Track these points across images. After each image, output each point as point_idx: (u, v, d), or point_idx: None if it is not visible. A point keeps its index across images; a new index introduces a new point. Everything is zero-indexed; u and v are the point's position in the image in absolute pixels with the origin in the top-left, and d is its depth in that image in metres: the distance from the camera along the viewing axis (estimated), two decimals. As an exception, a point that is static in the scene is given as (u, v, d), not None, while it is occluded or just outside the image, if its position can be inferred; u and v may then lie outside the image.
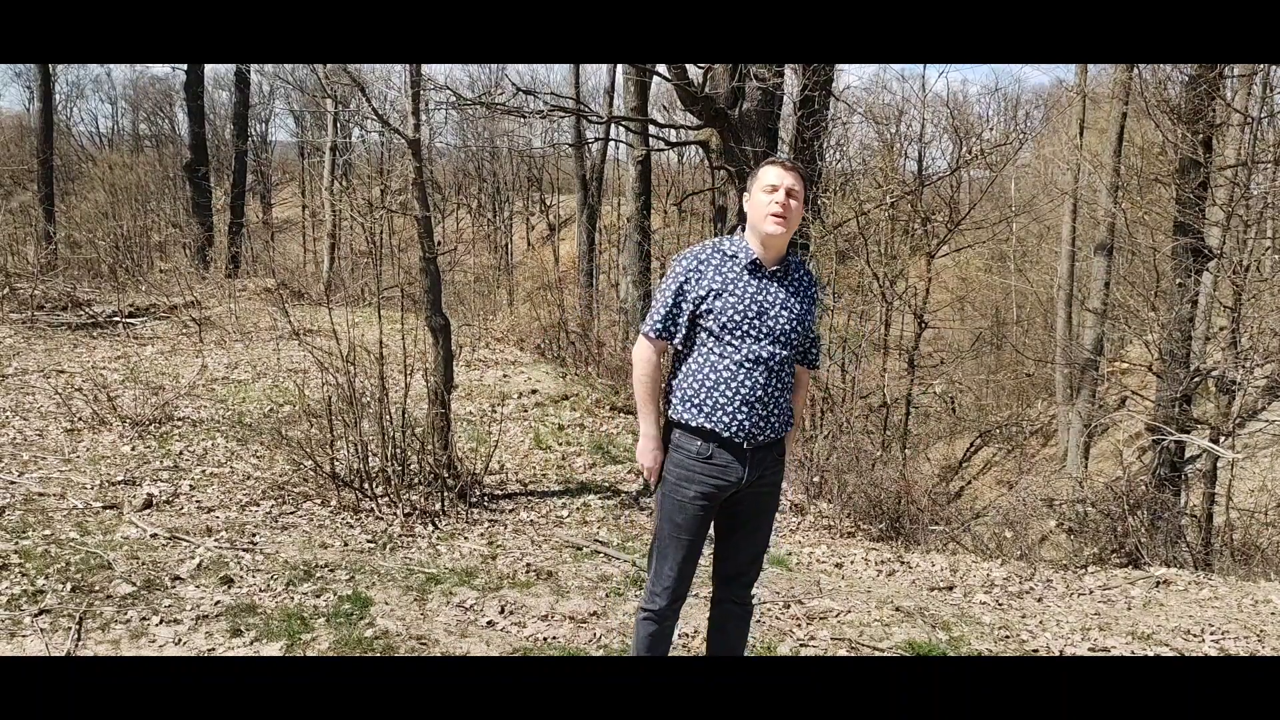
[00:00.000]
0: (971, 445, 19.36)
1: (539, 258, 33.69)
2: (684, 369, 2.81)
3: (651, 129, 13.34)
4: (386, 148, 30.09)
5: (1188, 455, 10.69)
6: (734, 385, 2.72)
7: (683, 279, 2.78)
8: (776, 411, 2.79)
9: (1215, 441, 9.54)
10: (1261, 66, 10.40)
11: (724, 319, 2.71)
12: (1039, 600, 5.29)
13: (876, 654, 4.07)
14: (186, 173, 21.39)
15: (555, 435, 8.38)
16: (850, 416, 9.89)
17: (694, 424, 2.75)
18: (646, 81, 13.49)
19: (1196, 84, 9.94)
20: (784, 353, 2.76)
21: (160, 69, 41.63)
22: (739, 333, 2.71)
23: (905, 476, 7.72)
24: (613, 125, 14.31)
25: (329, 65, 8.70)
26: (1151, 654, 4.27)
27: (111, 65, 38.62)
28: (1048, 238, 25.15)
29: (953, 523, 7.93)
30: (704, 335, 2.76)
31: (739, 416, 2.72)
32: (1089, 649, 4.30)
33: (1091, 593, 5.54)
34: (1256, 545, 7.64)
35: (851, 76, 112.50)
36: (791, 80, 10.96)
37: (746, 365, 2.71)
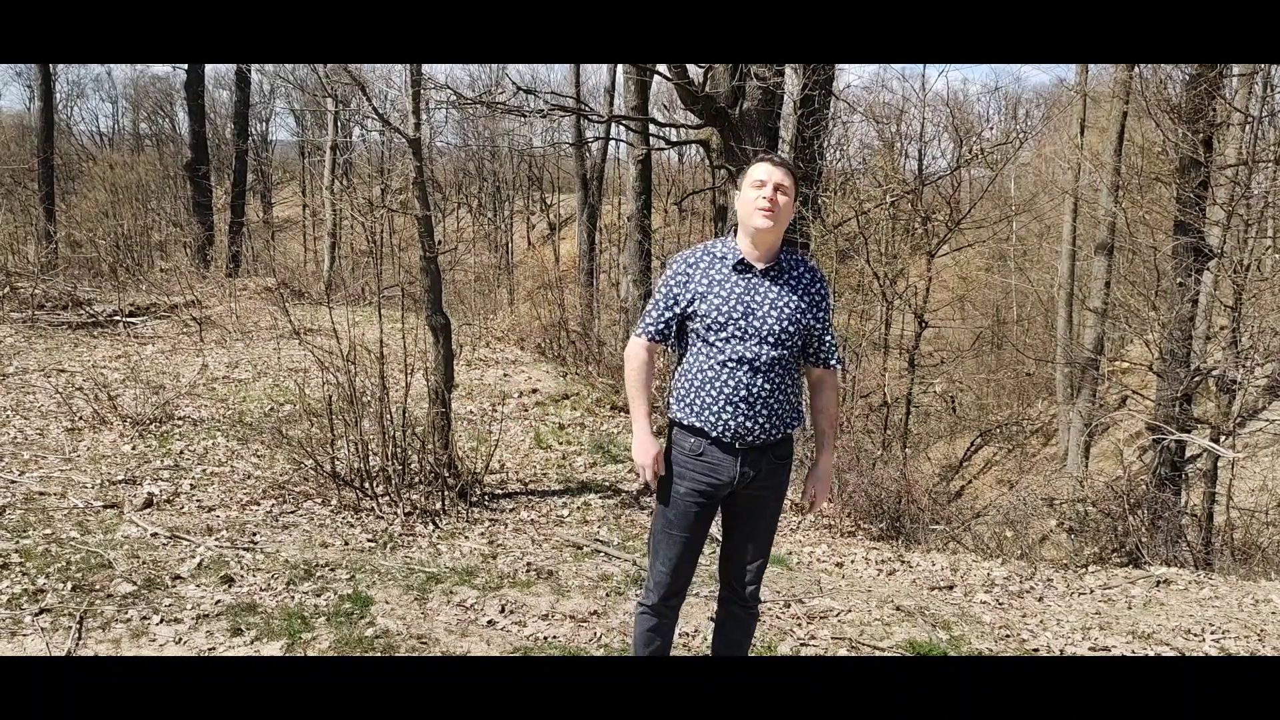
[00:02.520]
0: (972, 445, 19.37)
1: (539, 257, 33.66)
2: (679, 369, 2.86)
3: (652, 128, 13.34)
4: (387, 147, 30.05)
5: (1188, 455, 10.69)
6: (718, 385, 2.74)
7: (672, 282, 2.84)
8: (767, 412, 2.76)
9: (1215, 441, 9.54)
10: (1261, 66, 10.40)
11: (709, 320, 2.74)
12: (1039, 600, 5.29)
13: (877, 654, 4.07)
14: (187, 172, 21.38)
15: (556, 434, 8.38)
16: (850, 416, 9.89)
17: (686, 422, 2.80)
18: (646, 81, 13.48)
19: (1197, 83, 9.94)
20: (774, 352, 2.74)
21: (160, 68, 41.50)
22: (724, 334, 2.73)
23: (905, 476, 7.72)
24: (613, 125, 14.30)
25: (329, 65, 8.70)
26: (1152, 654, 4.27)
27: (112, 65, 38.60)
28: (1048, 237, 25.14)
29: (953, 522, 7.94)
30: (694, 336, 2.80)
31: (724, 416, 2.74)
32: (1089, 649, 4.30)
33: (1092, 592, 5.54)
34: (1257, 545, 7.64)
35: (851, 76, 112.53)
36: (791, 80, 10.95)
37: (731, 365, 2.72)
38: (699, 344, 2.78)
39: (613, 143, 18.43)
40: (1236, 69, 10.60)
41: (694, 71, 10.34)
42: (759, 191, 2.74)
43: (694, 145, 12.12)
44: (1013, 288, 26.24)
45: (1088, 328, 17.78)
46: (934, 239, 12.03)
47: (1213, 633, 4.61)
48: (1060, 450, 18.72)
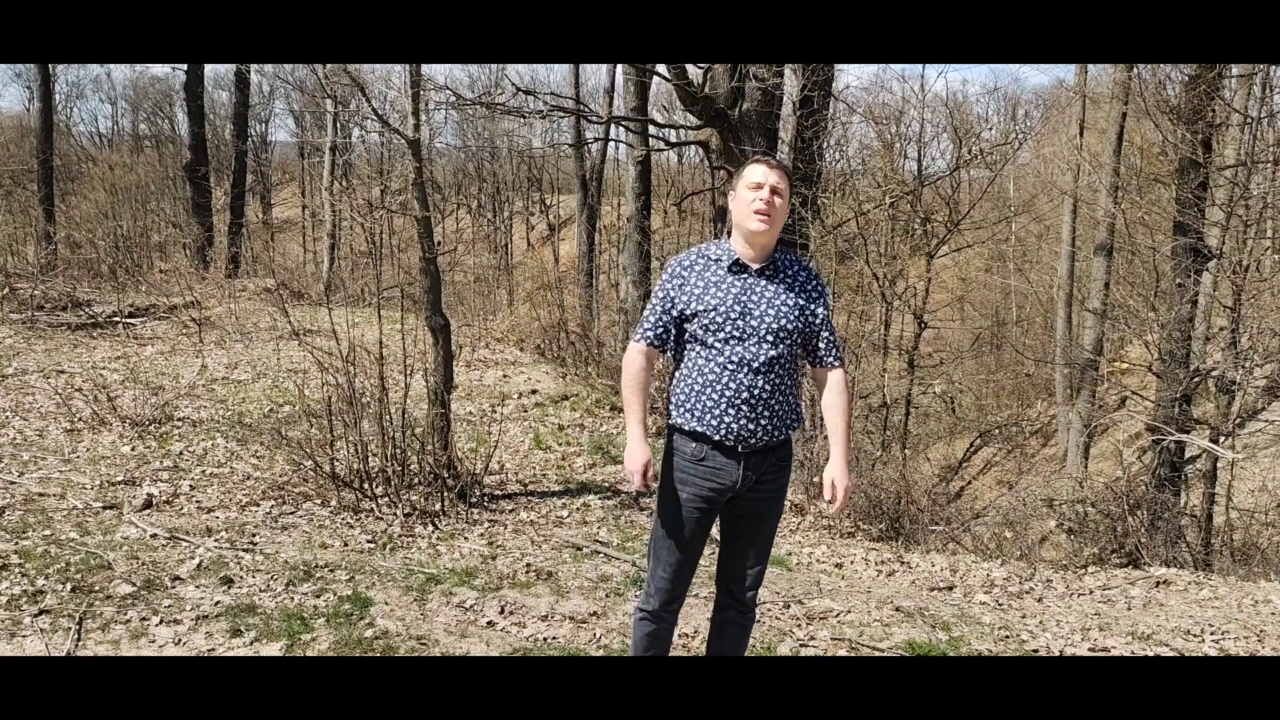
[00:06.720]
0: (971, 445, 19.37)
1: (539, 258, 33.68)
2: (678, 374, 2.84)
3: (651, 129, 13.33)
4: (386, 148, 30.07)
5: (1188, 455, 10.70)
6: (719, 387, 2.72)
7: (669, 286, 2.81)
8: (768, 414, 2.75)
9: (1215, 441, 9.55)
10: (1261, 66, 10.41)
11: (706, 321, 2.72)
12: (1039, 600, 5.29)
13: (876, 654, 4.07)
14: (186, 173, 21.38)
15: (555, 435, 8.38)
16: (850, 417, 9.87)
17: (687, 427, 2.77)
18: (646, 81, 13.48)
19: (1196, 84, 9.95)
20: (773, 351, 2.73)
21: (160, 69, 41.65)
22: (722, 335, 2.71)
23: (905, 476, 7.71)
24: (612, 125, 14.30)
25: (329, 65, 8.70)
26: (1151, 654, 4.27)
27: (111, 65, 38.63)
28: (1047, 238, 25.14)
29: (953, 523, 7.93)
30: (692, 340, 2.78)
31: (726, 419, 2.72)
32: (1089, 649, 4.30)
33: (1091, 593, 5.54)
34: (1256, 545, 7.64)
35: (851, 76, 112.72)
36: (791, 80, 10.95)
37: (731, 367, 2.71)
38: (697, 347, 2.76)
39: (612, 144, 18.45)
40: (1235, 70, 10.62)
41: (693, 72, 10.33)
42: (755, 194, 2.73)
43: (693, 146, 12.13)
44: (1012, 289, 26.25)
45: (1087, 328, 17.78)
46: (933, 240, 12.05)
47: (1212, 633, 4.61)
48: (1060, 451, 18.72)
